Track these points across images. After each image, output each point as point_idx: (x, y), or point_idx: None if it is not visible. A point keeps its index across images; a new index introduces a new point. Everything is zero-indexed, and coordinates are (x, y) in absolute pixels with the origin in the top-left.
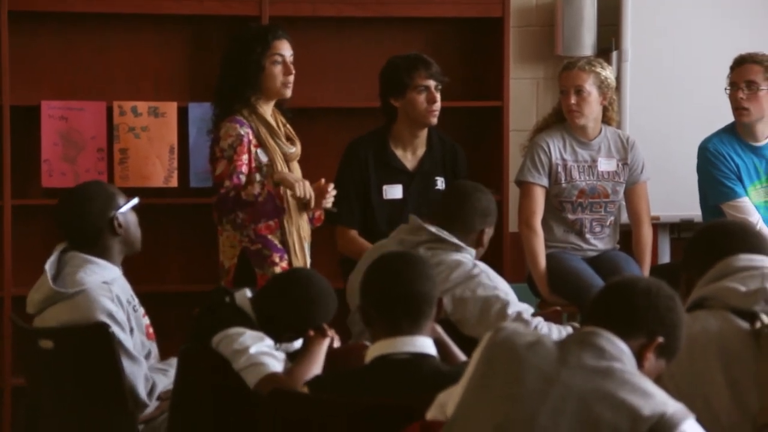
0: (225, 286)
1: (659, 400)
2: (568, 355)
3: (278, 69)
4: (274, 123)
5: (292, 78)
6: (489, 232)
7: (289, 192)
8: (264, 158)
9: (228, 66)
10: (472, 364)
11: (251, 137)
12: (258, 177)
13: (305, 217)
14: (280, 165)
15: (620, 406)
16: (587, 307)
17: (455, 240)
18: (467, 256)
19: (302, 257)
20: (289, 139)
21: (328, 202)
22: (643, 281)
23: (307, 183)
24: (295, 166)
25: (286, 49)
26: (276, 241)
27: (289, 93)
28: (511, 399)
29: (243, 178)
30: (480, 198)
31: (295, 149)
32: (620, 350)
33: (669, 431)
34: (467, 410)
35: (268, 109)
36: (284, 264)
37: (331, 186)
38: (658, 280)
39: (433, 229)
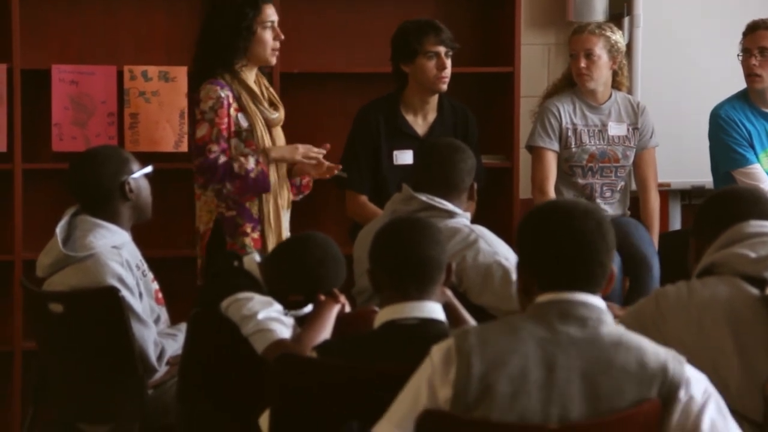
0: (199, 251)
1: (651, 354)
2: (557, 333)
3: (269, 34)
4: (257, 89)
5: (278, 44)
6: (474, 182)
7: (273, 164)
8: (244, 123)
9: (215, 30)
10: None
11: (231, 100)
12: (236, 142)
13: (285, 185)
14: (261, 131)
15: (621, 373)
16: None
17: (448, 206)
18: (462, 221)
19: (277, 227)
20: (272, 104)
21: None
22: (577, 234)
23: (306, 146)
24: (278, 132)
25: (275, 14)
26: (253, 211)
27: (275, 60)
28: (519, 395)
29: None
30: (464, 158)
31: (278, 115)
32: (599, 310)
33: (677, 389)
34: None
35: (251, 75)
36: (255, 236)
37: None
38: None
39: (423, 197)
